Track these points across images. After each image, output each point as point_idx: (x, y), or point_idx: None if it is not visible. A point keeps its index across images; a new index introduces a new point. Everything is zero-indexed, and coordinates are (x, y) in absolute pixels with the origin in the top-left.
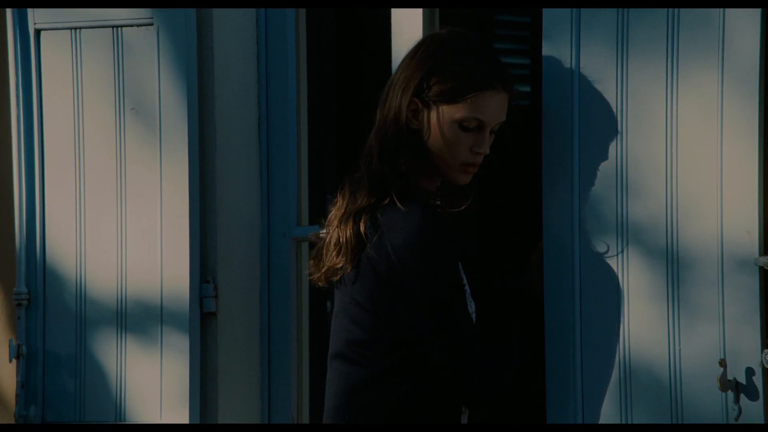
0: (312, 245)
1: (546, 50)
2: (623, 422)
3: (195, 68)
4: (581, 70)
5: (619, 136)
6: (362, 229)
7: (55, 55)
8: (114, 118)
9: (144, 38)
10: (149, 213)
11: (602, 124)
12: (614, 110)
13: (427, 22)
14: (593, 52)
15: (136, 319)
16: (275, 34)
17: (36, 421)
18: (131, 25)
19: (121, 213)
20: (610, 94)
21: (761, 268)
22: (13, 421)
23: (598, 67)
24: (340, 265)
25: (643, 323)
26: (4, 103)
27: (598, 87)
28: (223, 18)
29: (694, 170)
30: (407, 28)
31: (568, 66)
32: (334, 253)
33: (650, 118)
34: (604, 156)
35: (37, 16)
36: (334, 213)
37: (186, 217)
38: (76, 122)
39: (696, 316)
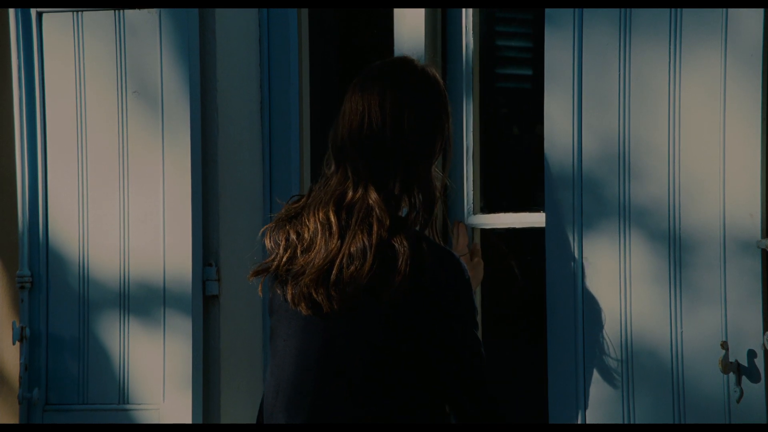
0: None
1: (548, 33)
2: (625, 405)
3: (197, 51)
4: (584, 52)
5: (621, 119)
6: (425, 249)
7: (57, 37)
8: (116, 100)
9: (146, 20)
10: (152, 196)
11: (604, 106)
12: (617, 93)
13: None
14: (596, 33)
15: (139, 301)
16: (277, 17)
17: (40, 403)
18: (133, 8)
19: (124, 195)
20: (612, 77)
21: (763, 251)
22: (16, 403)
23: (600, 49)
24: (364, 280)
25: (645, 306)
26: (7, 86)
27: (601, 69)
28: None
29: (696, 153)
30: (410, 15)
31: (571, 48)
32: (360, 264)
33: (653, 101)
34: (607, 139)
35: None
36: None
37: (188, 200)
38: (78, 105)
39: (698, 298)
